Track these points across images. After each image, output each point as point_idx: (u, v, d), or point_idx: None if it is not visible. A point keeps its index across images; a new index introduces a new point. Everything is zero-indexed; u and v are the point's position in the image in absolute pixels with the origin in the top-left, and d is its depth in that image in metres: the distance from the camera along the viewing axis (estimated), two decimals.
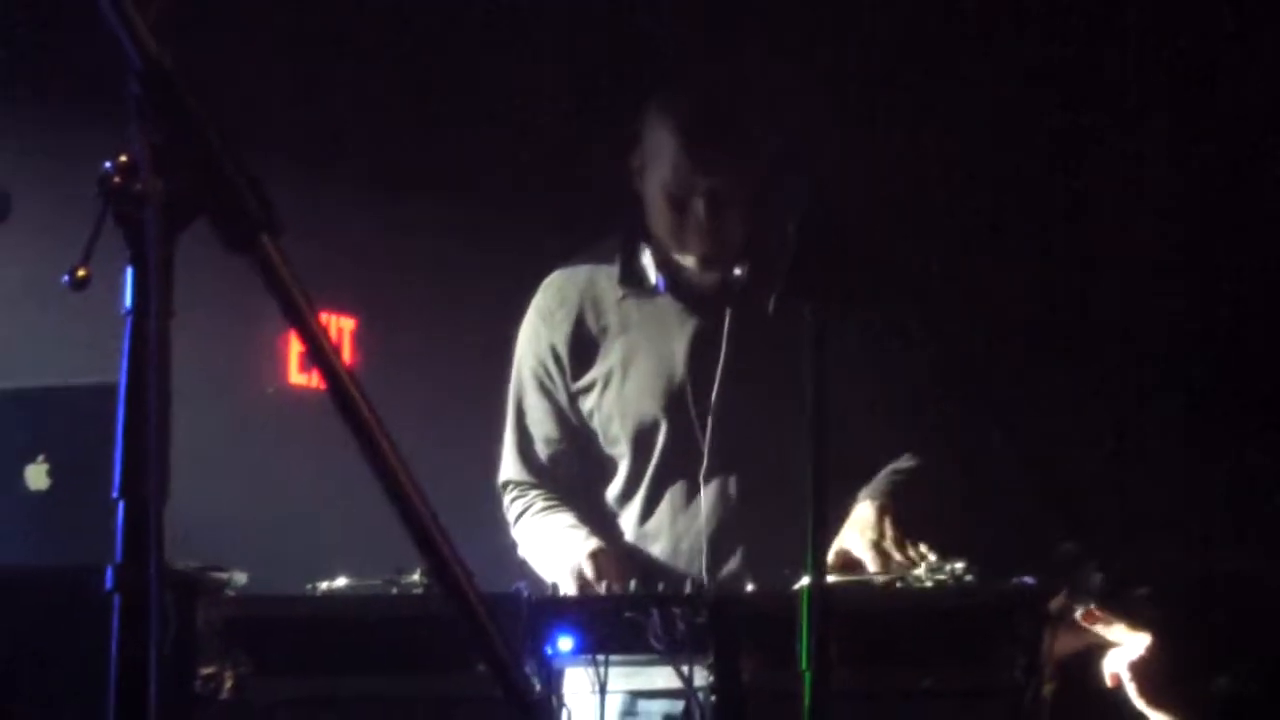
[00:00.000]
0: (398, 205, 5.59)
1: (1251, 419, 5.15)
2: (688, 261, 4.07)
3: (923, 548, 3.73)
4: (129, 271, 1.86)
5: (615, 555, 3.95)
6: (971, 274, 5.22)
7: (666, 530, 4.10)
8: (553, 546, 4.06)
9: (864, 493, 3.93)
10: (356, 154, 5.60)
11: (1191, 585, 3.33)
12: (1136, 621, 3.35)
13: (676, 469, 4.09)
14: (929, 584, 3.50)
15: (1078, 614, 3.37)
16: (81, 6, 1.91)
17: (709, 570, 4.03)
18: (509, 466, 4.25)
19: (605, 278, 4.17)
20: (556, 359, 4.18)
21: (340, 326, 5.55)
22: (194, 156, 1.84)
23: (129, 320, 1.87)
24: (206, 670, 3.39)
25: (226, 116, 1.89)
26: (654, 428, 4.09)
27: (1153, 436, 5.25)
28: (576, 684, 3.59)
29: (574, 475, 4.21)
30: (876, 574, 3.71)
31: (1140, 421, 5.27)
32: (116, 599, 1.86)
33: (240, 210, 1.82)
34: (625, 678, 3.58)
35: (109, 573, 1.87)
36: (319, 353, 1.80)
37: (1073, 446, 4.98)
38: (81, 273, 1.91)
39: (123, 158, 1.85)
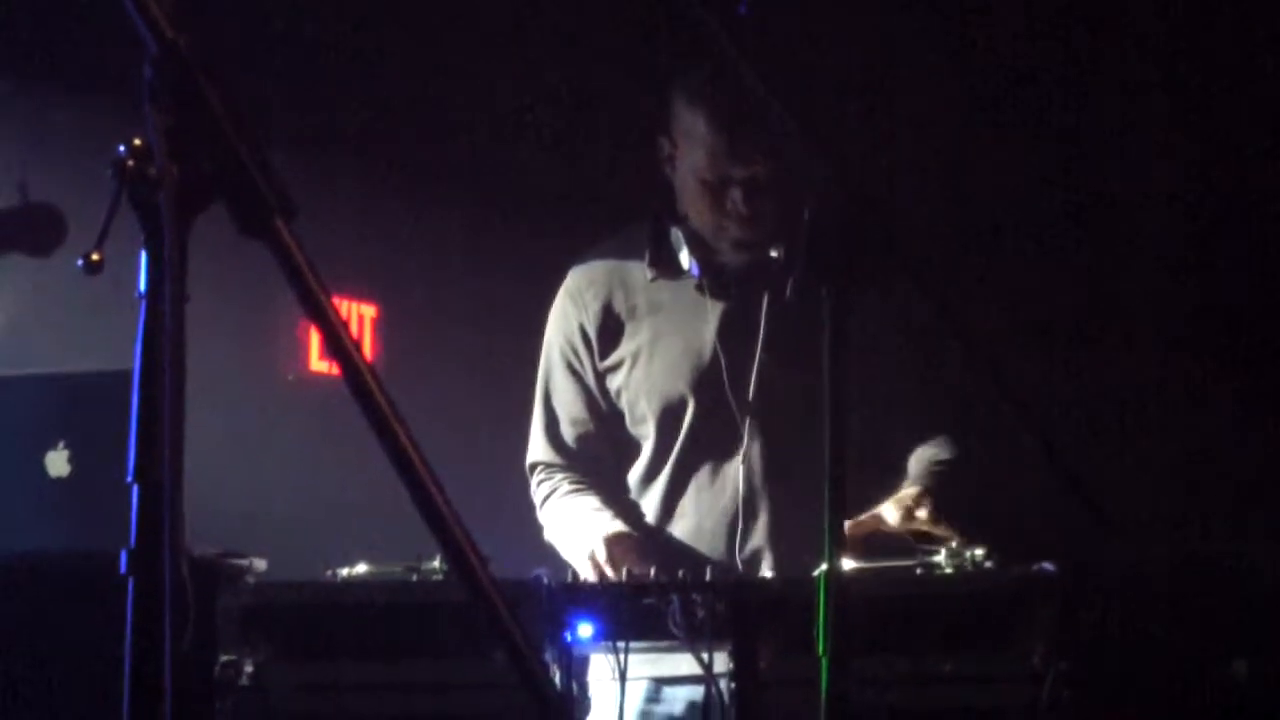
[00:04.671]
0: (419, 193, 5.60)
1: (1255, 409, 5.15)
2: (722, 245, 4.07)
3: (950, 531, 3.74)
4: (143, 256, 1.86)
5: (635, 539, 3.95)
6: (979, 267, 5.23)
7: (691, 509, 4.10)
8: (577, 529, 4.06)
9: (909, 480, 3.96)
10: (379, 143, 5.61)
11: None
12: None
13: (703, 448, 4.09)
14: (949, 570, 3.49)
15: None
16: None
17: (731, 547, 4.03)
18: (536, 448, 4.25)
19: (634, 263, 4.17)
20: (585, 339, 4.17)
21: (361, 314, 5.56)
22: (208, 141, 1.84)
23: (143, 304, 1.87)
24: (226, 657, 3.39)
25: (246, 101, 1.89)
26: (681, 406, 4.08)
27: (1157, 425, 5.26)
28: (599, 671, 3.58)
29: (602, 458, 4.20)
30: (893, 562, 3.71)
31: (1144, 410, 5.28)
32: (131, 583, 1.86)
33: (254, 194, 1.82)
34: (650, 664, 3.58)
35: (123, 557, 1.87)
36: (332, 336, 1.80)
37: (1078, 436, 4.98)
38: (95, 257, 1.91)
39: (137, 142, 1.85)
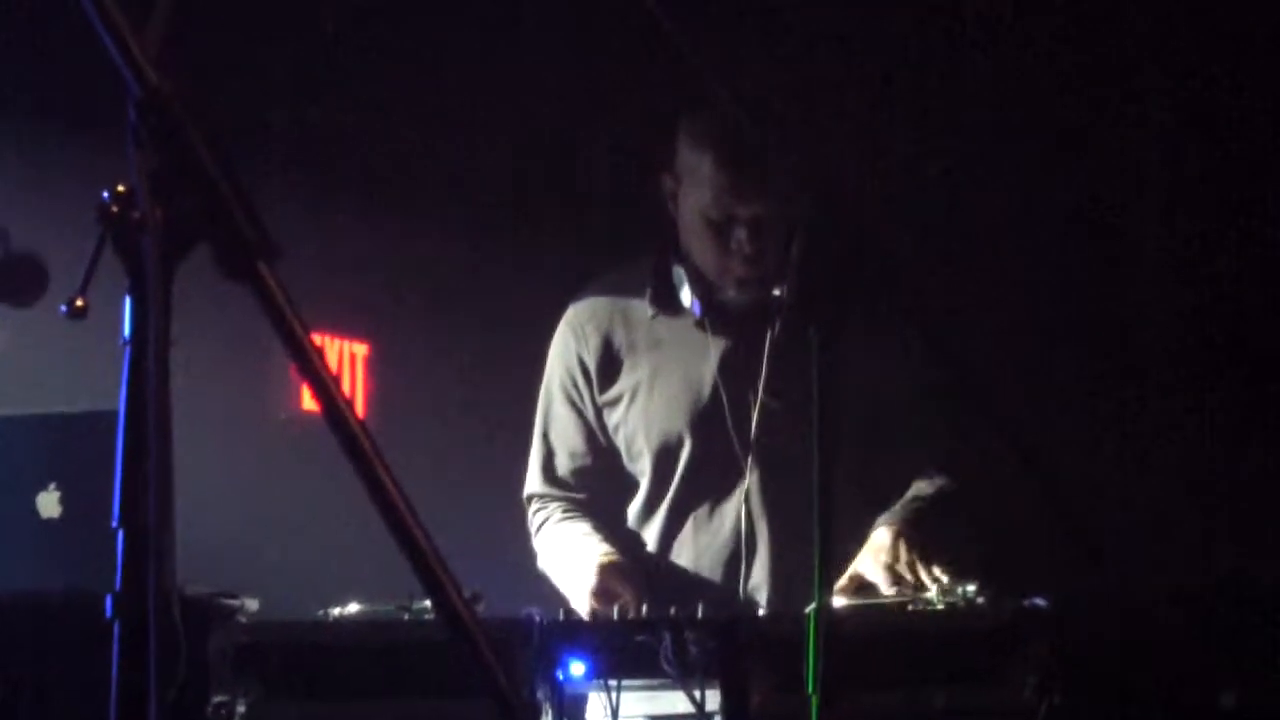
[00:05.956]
0: (411, 231, 5.60)
1: (1255, 421, 5.14)
2: (725, 283, 4.08)
3: (936, 570, 3.73)
4: (127, 301, 1.86)
5: (624, 566, 3.95)
6: (973, 279, 5.22)
7: (689, 546, 4.10)
8: (567, 556, 4.07)
9: (882, 519, 3.93)
10: (371, 180, 5.61)
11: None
12: None
13: (700, 486, 4.09)
14: (940, 606, 3.49)
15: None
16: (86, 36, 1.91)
17: (730, 585, 4.03)
18: (533, 480, 4.26)
19: (635, 299, 4.18)
20: (585, 371, 4.18)
21: (353, 352, 5.56)
22: (192, 184, 1.84)
23: (128, 350, 1.87)
24: (219, 698, 3.38)
25: (241, 145, 1.89)
26: (678, 444, 4.09)
27: (1156, 439, 5.25)
28: (596, 710, 3.58)
29: (599, 492, 4.20)
30: (887, 597, 3.71)
31: (1143, 424, 5.27)
32: (116, 627, 1.86)
33: (238, 238, 1.82)
34: (644, 702, 3.57)
35: (108, 601, 1.87)
36: (315, 379, 1.80)
37: (1076, 451, 4.97)
38: (80, 303, 1.91)
39: (120, 187, 1.85)
